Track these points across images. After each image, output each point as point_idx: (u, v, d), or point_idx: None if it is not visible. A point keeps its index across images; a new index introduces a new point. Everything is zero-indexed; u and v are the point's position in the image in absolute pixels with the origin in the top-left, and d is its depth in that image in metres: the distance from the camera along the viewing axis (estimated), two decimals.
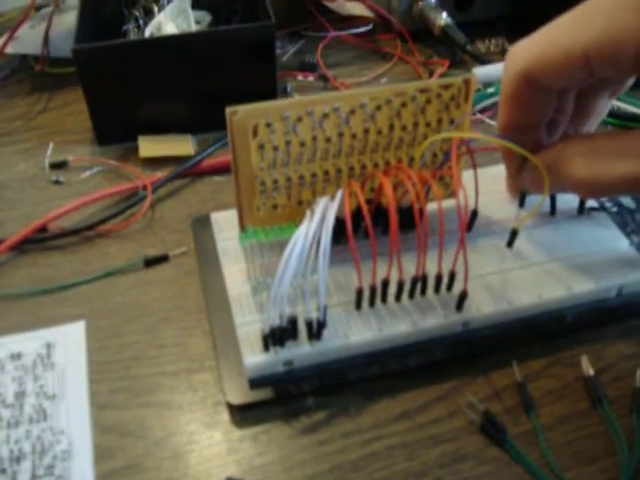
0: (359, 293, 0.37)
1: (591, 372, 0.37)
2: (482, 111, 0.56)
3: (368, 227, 0.35)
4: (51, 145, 0.53)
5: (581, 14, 0.31)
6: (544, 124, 0.37)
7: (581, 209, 0.43)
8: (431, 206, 0.37)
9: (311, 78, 0.60)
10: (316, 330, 0.35)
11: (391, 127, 0.39)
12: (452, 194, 0.43)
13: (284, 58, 0.63)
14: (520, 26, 0.64)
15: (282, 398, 0.36)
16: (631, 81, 0.37)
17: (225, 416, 0.36)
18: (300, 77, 0.61)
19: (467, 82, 0.39)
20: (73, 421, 0.36)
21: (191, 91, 0.53)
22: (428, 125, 0.40)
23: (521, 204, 0.42)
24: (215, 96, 0.51)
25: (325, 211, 0.35)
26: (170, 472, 0.34)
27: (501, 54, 0.64)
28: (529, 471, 0.33)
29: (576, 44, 0.31)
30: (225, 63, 0.52)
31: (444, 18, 0.62)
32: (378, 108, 0.38)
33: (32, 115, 0.58)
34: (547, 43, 0.32)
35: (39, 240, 0.46)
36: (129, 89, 0.52)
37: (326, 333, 0.36)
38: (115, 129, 0.53)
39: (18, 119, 0.57)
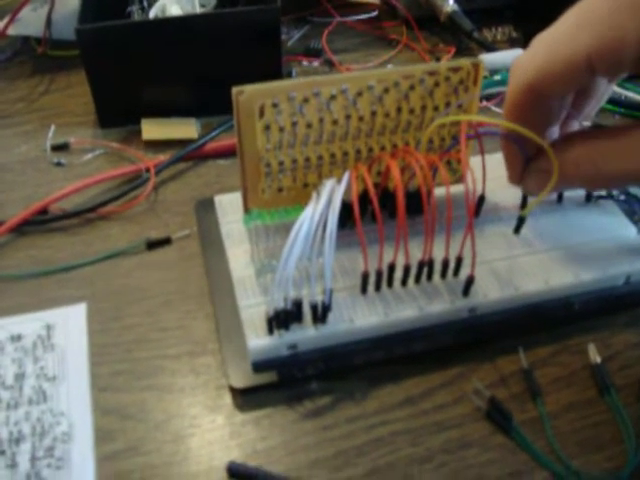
0: (365, 277, 0.36)
1: (598, 360, 0.37)
2: (488, 99, 0.55)
3: (376, 210, 0.34)
4: (53, 127, 0.53)
5: (578, 21, 0.31)
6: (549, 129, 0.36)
7: (588, 197, 0.43)
8: (438, 191, 0.36)
9: (316, 63, 0.60)
10: (321, 313, 0.35)
11: (399, 110, 0.39)
12: (459, 179, 0.43)
13: (289, 43, 0.63)
14: (527, 15, 0.65)
15: (286, 382, 0.36)
16: None
17: (228, 400, 0.36)
18: (305, 62, 0.60)
19: (476, 66, 0.38)
20: (73, 403, 0.35)
21: (195, 74, 0.52)
22: (436, 109, 0.39)
23: (523, 206, 0.42)
24: (219, 80, 0.50)
25: (332, 193, 0.34)
26: (171, 456, 0.34)
27: (508, 42, 0.63)
28: (535, 458, 0.33)
29: (578, 51, 0.30)
30: (230, 46, 0.51)
31: (451, 4, 0.61)
32: (386, 90, 0.38)
33: (34, 97, 0.57)
34: (549, 54, 0.32)
35: (39, 222, 0.45)
36: (133, 71, 0.51)
37: (331, 317, 0.36)
38: (118, 112, 0.53)
39: (20, 101, 0.56)
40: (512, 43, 0.63)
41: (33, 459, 0.33)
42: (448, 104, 0.39)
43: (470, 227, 0.34)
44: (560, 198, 0.43)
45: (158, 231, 0.45)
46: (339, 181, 0.35)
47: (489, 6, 0.66)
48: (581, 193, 0.43)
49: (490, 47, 0.60)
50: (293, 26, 0.65)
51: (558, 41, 0.32)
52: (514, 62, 0.34)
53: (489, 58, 0.55)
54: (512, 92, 0.34)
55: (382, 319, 0.36)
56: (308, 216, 0.33)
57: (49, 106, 0.56)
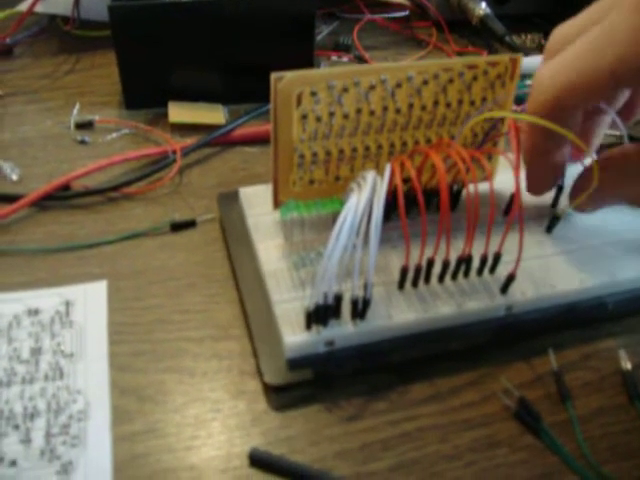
0: (404, 272, 0.35)
1: (629, 366, 0.36)
2: (518, 103, 0.55)
3: (420, 203, 0.33)
4: (77, 105, 0.52)
5: (604, 34, 0.32)
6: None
7: None
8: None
9: (345, 59, 0.60)
10: (361, 309, 0.34)
11: (435, 103, 0.38)
12: (487, 177, 0.42)
13: (318, 38, 0.62)
14: (557, 23, 0.64)
15: (321, 380, 0.35)
16: None
17: (251, 386, 0.35)
18: (334, 57, 0.60)
19: (514, 61, 0.38)
20: (91, 381, 0.35)
21: (225, 60, 0.52)
22: (472, 104, 0.39)
23: (554, 205, 0.42)
24: (249, 67, 0.50)
25: (375, 185, 0.33)
26: (191, 440, 0.33)
27: (537, 50, 0.63)
28: (565, 461, 0.32)
29: (602, 64, 0.31)
30: (263, 34, 0.51)
31: (483, 8, 0.61)
32: (425, 83, 0.37)
33: (59, 75, 0.56)
34: (574, 69, 0.33)
35: (62, 197, 0.44)
36: (162, 53, 0.50)
37: (369, 313, 0.35)
38: (144, 93, 0.52)
39: (44, 78, 0.56)
40: (541, 51, 0.63)
41: (48, 435, 0.32)
42: (484, 99, 0.39)
43: (520, 219, 0.34)
44: None
45: (182, 213, 0.44)
46: (378, 173, 0.35)
47: (519, 12, 0.65)
48: None
49: (521, 52, 0.59)
50: (322, 21, 0.64)
51: (583, 55, 0.32)
52: (536, 78, 0.35)
53: (525, 60, 0.55)
54: (537, 106, 0.35)
55: (421, 315, 0.35)
56: (352, 208, 0.32)
57: (74, 84, 0.55)
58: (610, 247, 0.40)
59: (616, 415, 0.34)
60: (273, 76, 0.35)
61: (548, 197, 0.41)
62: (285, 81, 0.35)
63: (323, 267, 0.32)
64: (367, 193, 0.33)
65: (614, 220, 0.41)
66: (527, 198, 0.42)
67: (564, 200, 0.40)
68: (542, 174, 0.38)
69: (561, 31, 0.36)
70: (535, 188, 0.39)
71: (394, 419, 0.34)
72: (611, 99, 0.36)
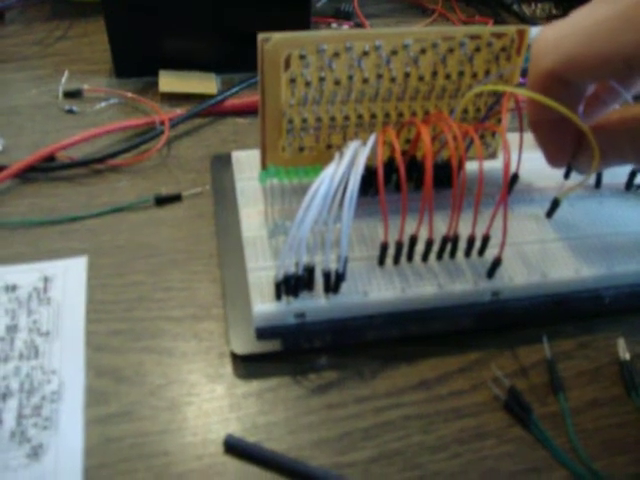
0: (384, 248, 0.34)
1: (627, 357, 0.34)
2: (524, 75, 0.52)
3: (401, 178, 0.32)
4: (66, 73, 0.51)
5: (624, 16, 0.28)
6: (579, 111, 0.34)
7: (629, 185, 0.41)
8: (468, 165, 0.34)
9: (346, 27, 0.57)
10: (334, 283, 0.33)
11: (434, 74, 0.36)
12: (491, 155, 0.40)
13: (318, 5, 0.60)
14: None
15: (291, 352, 0.34)
16: None
17: (230, 369, 0.33)
18: (334, 25, 0.58)
19: (521, 33, 0.36)
20: (66, 361, 0.33)
21: (218, 27, 0.50)
22: (474, 76, 0.37)
23: (567, 176, 0.40)
24: (244, 35, 0.48)
25: (355, 155, 0.32)
26: (166, 424, 0.31)
27: (547, 20, 0.60)
28: (554, 455, 0.31)
29: (618, 50, 0.28)
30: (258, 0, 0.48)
31: None
32: (422, 51, 0.35)
33: (50, 42, 0.55)
34: (582, 45, 0.30)
35: (46, 169, 0.43)
36: (153, 19, 0.48)
37: (344, 287, 0.33)
38: (135, 61, 0.50)
39: (35, 45, 0.54)
40: (551, 20, 0.60)
41: (19, 417, 0.31)
42: (487, 72, 0.37)
43: (504, 201, 0.32)
44: (598, 184, 0.40)
45: (168, 187, 0.42)
46: (365, 143, 0.33)
47: None
48: (621, 180, 0.41)
49: (529, 22, 0.57)
50: None
51: (595, 32, 0.29)
52: (536, 41, 0.32)
53: (533, 32, 0.52)
54: (534, 76, 0.32)
55: (398, 294, 0.34)
56: (328, 176, 0.31)
57: (65, 52, 0.54)
58: (612, 238, 0.38)
59: (611, 407, 0.33)
60: (260, 37, 0.33)
61: (560, 180, 0.40)
62: (272, 42, 0.33)
63: (291, 236, 0.31)
64: (346, 162, 0.31)
65: (620, 211, 0.40)
66: (534, 178, 0.40)
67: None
68: (554, 146, 0.35)
69: None
70: (551, 160, 0.36)
71: (377, 407, 0.32)
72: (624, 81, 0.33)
